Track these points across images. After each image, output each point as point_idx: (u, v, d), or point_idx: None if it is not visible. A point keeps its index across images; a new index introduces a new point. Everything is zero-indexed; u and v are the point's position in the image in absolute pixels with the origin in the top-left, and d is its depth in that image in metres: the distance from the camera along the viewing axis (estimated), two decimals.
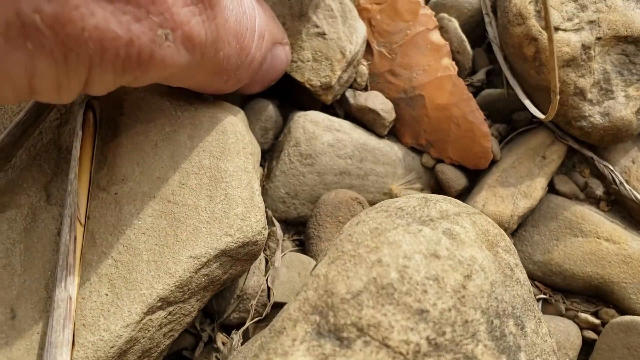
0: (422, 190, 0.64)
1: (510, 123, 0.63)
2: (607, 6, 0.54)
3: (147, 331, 0.45)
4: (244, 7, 0.46)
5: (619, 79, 0.55)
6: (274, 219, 0.61)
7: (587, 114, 0.55)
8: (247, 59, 0.49)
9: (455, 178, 0.62)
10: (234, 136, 0.53)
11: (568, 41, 0.53)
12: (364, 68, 0.66)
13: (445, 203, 0.43)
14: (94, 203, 0.49)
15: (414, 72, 0.63)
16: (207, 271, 0.48)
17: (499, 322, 0.37)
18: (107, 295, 0.44)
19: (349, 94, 0.66)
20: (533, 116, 0.61)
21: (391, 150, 0.64)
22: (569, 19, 0.54)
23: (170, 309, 0.47)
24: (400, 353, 0.34)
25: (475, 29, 0.66)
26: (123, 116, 0.53)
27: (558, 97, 0.48)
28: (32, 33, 0.31)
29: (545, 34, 0.53)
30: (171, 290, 0.46)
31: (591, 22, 0.54)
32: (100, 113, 0.53)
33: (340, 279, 0.37)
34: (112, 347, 0.43)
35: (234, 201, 0.49)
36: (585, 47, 0.54)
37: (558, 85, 0.45)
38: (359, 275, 0.37)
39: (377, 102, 0.64)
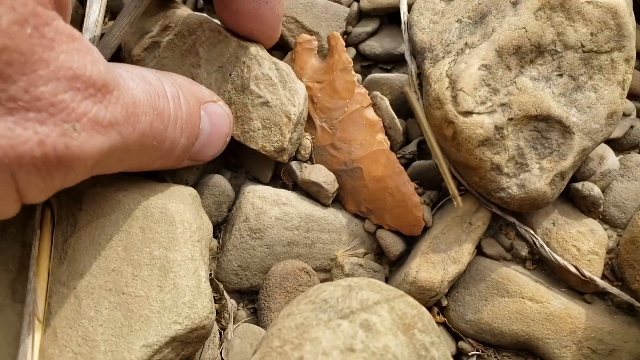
0: (365, 254, 0.69)
1: (440, 190, 0.69)
2: (518, 89, 0.60)
3: None
4: (148, 79, 0.51)
5: (533, 153, 0.61)
6: (225, 292, 0.66)
7: (505, 186, 0.61)
8: (170, 120, 0.53)
9: (394, 244, 0.67)
10: (181, 225, 0.58)
11: (482, 124, 0.59)
12: (307, 142, 0.71)
13: (367, 291, 0.48)
14: (56, 298, 0.54)
15: (353, 146, 0.69)
16: (160, 356, 0.52)
17: None
18: None
19: (295, 166, 0.71)
20: (460, 184, 0.67)
21: (336, 218, 0.69)
22: (482, 103, 0.59)
23: None
24: None
25: (406, 103, 0.71)
26: (81, 211, 0.58)
27: (459, 198, 0.53)
28: None
29: (460, 118, 0.59)
30: None
31: (503, 104, 0.60)
32: (59, 209, 0.58)
33: None
34: None
35: (182, 290, 0.54)
36: (498, 128, 0.59)
37: (456, 192, 0.51)
38: None
39: (320, 175, 0.69)
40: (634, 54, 0.62)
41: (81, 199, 0.59)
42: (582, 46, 0.61)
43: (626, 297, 0.61)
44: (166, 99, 0.52)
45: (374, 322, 0.45)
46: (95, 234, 0.57)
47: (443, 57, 0.64)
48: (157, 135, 0.51)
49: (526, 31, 0.60)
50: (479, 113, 0.59)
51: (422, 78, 0.67)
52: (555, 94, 0.61)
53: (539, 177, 0.60)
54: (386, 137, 0.68)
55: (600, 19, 0.60)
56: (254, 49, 0.66)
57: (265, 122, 0.66)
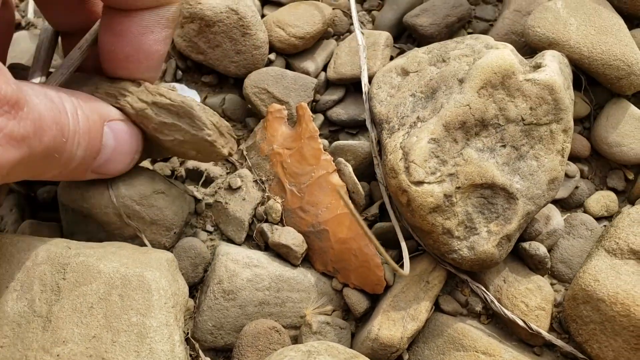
0: (333, 311, 0.74)
1: (401, 250, 0.74)
2: (464, 160, 0.66)
3: None
4: (50, 97, 0.55)
5: (481, 217, 0.66)
6: (201, 351, 0.71)
7: (457, 248, 0.66)
8: (70, 133, 0.57)
9: (358, 302, 0.72)
10: (157, 293, 0.63)
11: (432, 192, 0.64)
12: (277, 205, 0.77)
13: (324, 356, 0.53)
14: None
15: (319, 209, 0.74)
16: None
17: None
18: None
19: (266, 228, 0.76)
20: (418, 244, 0.72)
21: (305, 277, 0.74)
22: (432, 173, 0.65)
23: None
24: None
25: (369, 167, 0.77)
26: (65, 280, 0.63)
27: (399, 270, 0.59)
28: None
29: (412, 187, 0.65)
30: None
31: (451, 174, 0.65)
32: (44, 278, 0.63)
33: None
34: None
35: (157, 355, 0.59)
36: (447, 196, 0.65)
37: (391, 262, 0.56)
38: None
39: (289, 237, 0.74)
40: (571, 124, 0.68)
41: (65, 269, 0.63)
42: (523, 119, 0.67)
43: (569, 348, 0.66)
44: (66, 115, 0.57)
45: None
46: (78, 302, 0.62)
47: (398, 129, 0.70)
48: (58, 148, 0.56)
49: (470, 108, 0.66)
50: (429, 183, 0.65)
51: (381, 146, 0.73)
52: (499, 163, 0.67)
53: (487, 240, 0.66)
54: (350, 202, 0.73)
55: (538, 95, 0.66)
56: None
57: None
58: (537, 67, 0.69)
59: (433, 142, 0.65)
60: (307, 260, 0.77)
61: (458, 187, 0.65)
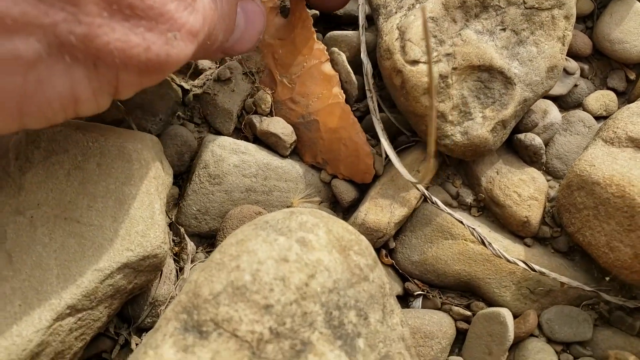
0: (320, 202, 0.72)
1: (393, 142, 0.71)
2: (462, 40, 0.63)
3: (57, 335, 0.52)
4: None
5: (476, 102, 0.64)
6: (185, 235, 0.69)
7: (450, 134, 0.64)
8: (217, 19, 0.55)
9: (346, 191, 0.70)
10: (138, 163, 0.60)
11: (427, 72, 0.62)
12: (267, 96, 0.74)
13: (307, 215, 0.51)
14: (12, 226, 0.56)
15: (310, 99, 0.71)
16: (112, 281, 0.55)
17: (338, 313, 0.45)
18: (20, 305, 0.52)
19: (255, 119, 0.74)
20: (411, 135, 0.70)
21: (293, 168, 0.72)
22: None
23: (79, 315, 0.54)
24: (247, 341, 0.42)
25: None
26: (40, 149, 0.61)
27: (433, 160, 0.56)
28: (69, 49, 0.40)
29: (407, 66, 0.62)
30: (78, 299, 0.53)
31: (448, 54, 0.63)
32: (19, 148, 0.60)
33: (205, 283, 0.44)
34: (24, 350, 0.50)
35: (135, 220, 0.57)
36: (443, 77, 0.62)
37: (433, 150, 0.53)
38: (220, 279, 0.44)
39: (279, 127, 0.72)
40: (573, 11, 0.65)
41: (40, 137, 0.61)
42: (524, 2, 0.64)
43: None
44: (215, 1, 0.55)
45: (310, 239, 0.47)
46: (54, 169, 0.59)
47: (395, 12, 0.67)
48: (210, 36, 0.55)
49: None
50: (425, 62, 0.62)
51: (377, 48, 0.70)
52: (498, 46, 0.64)
53: (481, 125, 0.63)
54: (342, 91, 0.70)
55: None
56: None
57: None
58: None
59: (431, 20, 0.63)
60: (296, 154, 0.75)
61: (455, 68, 0.63)
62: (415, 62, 0.62)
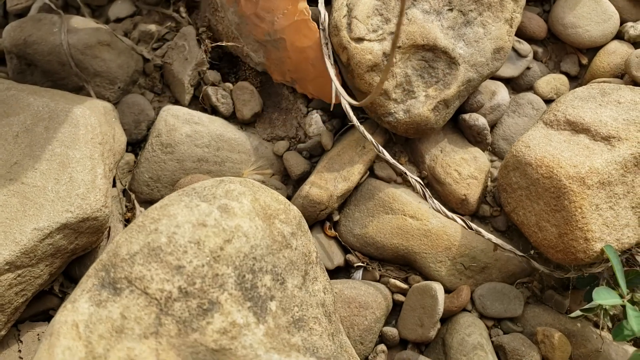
0: (272, 175, 0.74)
1: (344, 119, 0.73)
2: (408, 19, 0.64)
3: None
4: None
5: (420, 81, 0.65)
6: (136, 202, 0.71)
7: (393, 111, 0.65)
8: None
9: (296, 164, 0.72)
10: (84, 128, 0.62)
11: (371, 50, 0.63)
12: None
13: (235, 184, 0.52)
14: None
15: (275, 15, 0.69)
16: (52, 241, 0.57)
17: (251, 276, 0.47)
18: None
19: (211, 91, 0.75)
20: (362, 112, 0.71)
21: (247, 140, 0.74)
22: (374, 31, 0.64)
23: (19, 272, 0.56)
24: (155, 298, 0.44)
25: None
26: None
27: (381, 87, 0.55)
28: None
29: (352, 44, 0.63)
30: (17, 256, 0.55)
31: (392, 33, 0.64)
32: None
33: (125, 244, 0.47)
34: None
35: (77, 184, 0.59)
36: (387, 55, 0.63)
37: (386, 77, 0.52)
38: (139, 240, 0.46)
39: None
40: None
41: None
42: None
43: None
44: None
45: (233, 206, 0.49)
46: (2, 131, 0.61)
47: None
48: None
49: None
50: (369, 40, 0.64)
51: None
52: (444, 26, 0.65)
53: (423, 104, 0.65)
54: (307, 7, 0.69)
55: None
56: None
57: None
58: None
59: None
60: (252, 126, 0.77)
61: (399, 47, 0.64)
62: (360, 40, 0.64)
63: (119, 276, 0.45)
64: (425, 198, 0.64)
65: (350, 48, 0.64)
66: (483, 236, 0.63)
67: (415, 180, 0.64)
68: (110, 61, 0.74)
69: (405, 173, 0.64)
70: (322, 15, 0.69)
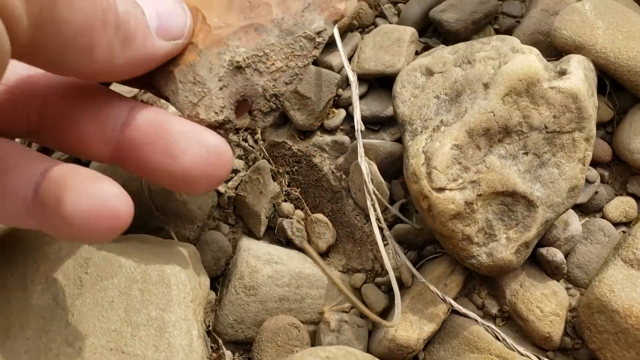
0: (351, 308, 0.75)
1: (420, 251, 0.75)
2: (487, 167, 0.66)
3: None
4: None
5: (500, 224, 0.67)
6: (223, 347, 0.72)
7: (475, 254, 0.67)
8: None
9: (377, 301, 0.74)
10: (176, 287, 0.64)
11: (453, 199, 0.65)
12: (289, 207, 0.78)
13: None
14: (63, 358, 0.60)
15: None
16: None
17: None
18: None
19: (286, 224, 0.77)
20: (439, 246, 0.73)
21: (324, 275, 0.75)
22: (454, 180, 0.65)
23: None
24: None
25: (391, 166, 0.77)
26: (87, 275, 0.65)
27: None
28: None
29: (434, 193, 0.65)
30: None
31: (472, 181, 0.66)
32: (67, 273, 0.64)
33: None
34: None
35: (175, 350, 0.61)
36: (468, 203, 0.65)
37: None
38: None
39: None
40: (593, 133, 0.68)
41: (88, 263, 0.65)
42: (546, 127, 0.67)
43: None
44: None
45: None
46: (99, 297, 0.63)
47: (421, 132, 0.70)
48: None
49: (494, 115, 0.66)
50: (451, 189, 0.65)
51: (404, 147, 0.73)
52: (521, 170, 0.67)
53: (505, 247, 0.66)
54: None
55: (562, 103, 0.66)
56: None
57: None
58: (562, 73, 0.69)
59: (456, 148, 0.66)
60: (327, 256, 0.78)
61: (479, 195, 0.65)
62: (441, 190, 0.65)
63: None
64: (497, 339, 0.65)
65: (432, 198, 0.65)
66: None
67: (487, 326, 0.66)
68: (190, 202, 0.77)
69: (476, 320, 0.66)
70: (365, 173, 0.72)
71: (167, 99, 0.54)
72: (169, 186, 0.54)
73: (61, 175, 0.44)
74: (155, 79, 0.52)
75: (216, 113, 0.52)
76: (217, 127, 0.52)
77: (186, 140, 0.48)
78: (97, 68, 0.39)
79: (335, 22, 0.55)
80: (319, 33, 0.53)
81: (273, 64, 0.52)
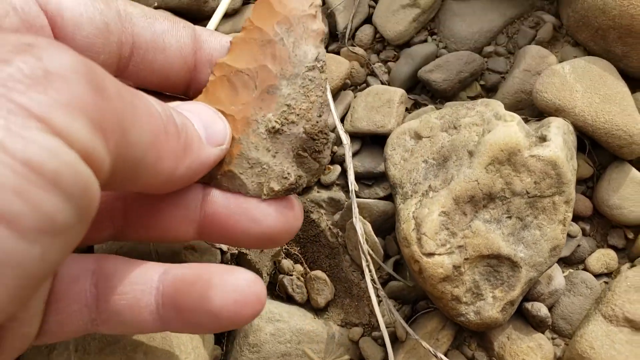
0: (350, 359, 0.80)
1: (414, 305, 0.79)
2: (472, 232, 0.71)
3: None
4: None
5: (487, 284, 0.72)
6: None
7: (464, 312, 0.71)
8: None
9: (373, 355, 0.78)
10: (178, 348, 0.68)
11: (442, 264, 0.69)
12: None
13: None
14: None
15: None
16: None
17: None
18: None
19: (286, 281, 0.82)
20: (431, 302, 0.78)
21: (323, 330, 0.80)
22: (443, 245, 0.70)
23: None
24: None
25: (384, 223, 0.82)
26: (96, 340, 0.69)
27: None
28: None
29: (424, 258, 0.70)
30: None
31: (460, 246, 0.70)
32: (78, 340, 0.69)
33: None
34: None
35: None
36: (456, 267, 0.70)
37: None
38: None
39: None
40: (573, 196, 0.73)
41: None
42: (528, 193, 0.71)
43: None
44: None
45: None
46: None
47: (411, 196, 0.75)
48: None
49: (478, 183, 0.71)
50: (439, 254, 0.70)
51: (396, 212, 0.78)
52: (505, 234, 0.72)
53: (492, 305, 0.71)
54: None
55: (542, 170, 0.71)
56: None
57: None
58: (542, 139, 0.73)
59: (444, 214, 0.71)
60: (326, 311, 0.83)
61: (466, 259, 0.70)
62: (431, 255, 0.70)
63: None
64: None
65: (423, 262, 0.70)
66: None
67: None
68: (195, 261, 0.81)
69: None
70: (359, 234, 0.76)
71: (240, 193, 0.57)
72: (255, 246, 0.58)
73: (192, 276, 0.46)
74: (219, 183, 0.56)
75: (285, 178, 0.55)
76: (294, 189, 0.56)
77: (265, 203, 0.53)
78: (162, 179, 0.41)
79: (321, 40, 0.58)
80: (316, 59, 0.56)
81: (300, 108, 0.55)
